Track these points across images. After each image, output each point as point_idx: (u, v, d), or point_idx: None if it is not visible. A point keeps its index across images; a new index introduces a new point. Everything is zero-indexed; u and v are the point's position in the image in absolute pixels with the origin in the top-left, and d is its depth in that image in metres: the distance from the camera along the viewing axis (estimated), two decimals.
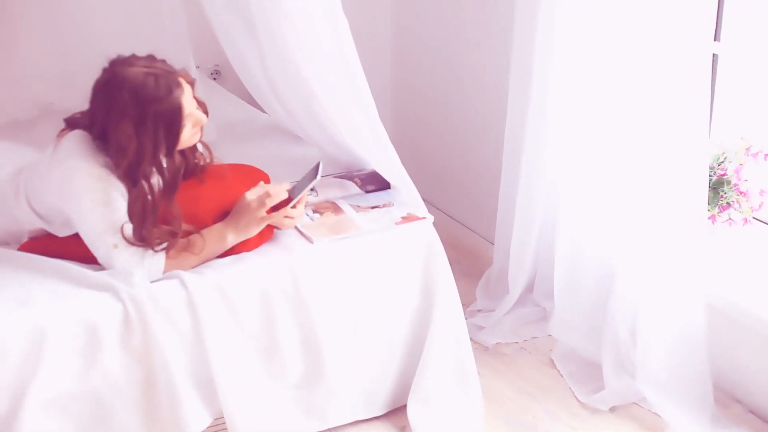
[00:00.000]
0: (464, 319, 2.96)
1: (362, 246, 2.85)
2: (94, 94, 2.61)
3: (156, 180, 2.62)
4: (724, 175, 3.18)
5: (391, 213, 2.95)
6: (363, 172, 3.13)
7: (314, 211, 2.94)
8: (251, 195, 2.73)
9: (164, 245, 2.63)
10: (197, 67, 3.77)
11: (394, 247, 2.88)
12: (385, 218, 2.93)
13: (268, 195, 2.72)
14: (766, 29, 3.22)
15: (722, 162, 3.20)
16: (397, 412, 2.96)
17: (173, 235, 2.63)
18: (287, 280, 2.74)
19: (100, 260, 2.65)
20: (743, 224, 3.19)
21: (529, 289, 3.51)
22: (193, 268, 2.69)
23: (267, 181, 2.91)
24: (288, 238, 2.83)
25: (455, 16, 3.80)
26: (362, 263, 2.84)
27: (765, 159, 3.17)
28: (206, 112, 2.70)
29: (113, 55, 2.61)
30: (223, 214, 2.75)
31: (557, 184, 3.28)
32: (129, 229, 2.59)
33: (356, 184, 3.08)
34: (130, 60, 2.60)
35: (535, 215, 3.34)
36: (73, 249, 2.69)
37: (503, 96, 3.44)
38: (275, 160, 3.22)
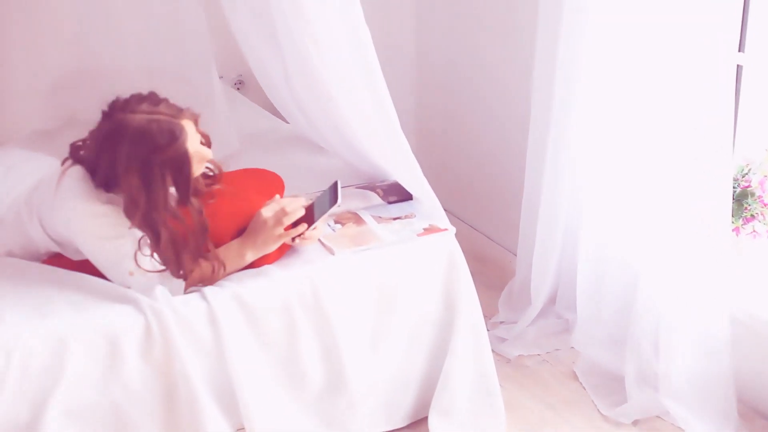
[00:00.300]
0: (486, 331, 2.95)
1: (384, 257, 2.84)
2: (96, 144, 2.58)
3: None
4: (749, 186, 3.16)
5: (412, 224, 2.94)
6: (385, 183, 3.12)
7: (336, 222, 2.94)
8: (267, 212, 2.72)
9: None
10: (221, 77, 3.77)
11: (416, 259, 2.87)
12: (407, 229, 2.92)
13: (284, 213, 2.71)
14: None
15: (746, 174, 3.18)
16: (418, 424, 2.95)
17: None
18: (308, 291, 2.74)
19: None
20: None
21: (552, 300, 3.50)
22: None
23: (280, 184, 2.91)
24: (309, 249, 2.83)
25: (477, 25, 3.79)
26: (384, 275, 2.84)
27: None
28: (209, 144, 2.67)
29: (112, 97, 2.58)
30: (241, 229, 2.75)
31: (580, 196, 3.26)
32: (144, 260, 2.59)
33: (378, 194, 3.07)
34: (131, 105, 2.55)
35: (558, 226, 3.33)
36: (93, 265, 2.69)
37: (526, 107, 3.43)
38: (297, 170, 3.22)
